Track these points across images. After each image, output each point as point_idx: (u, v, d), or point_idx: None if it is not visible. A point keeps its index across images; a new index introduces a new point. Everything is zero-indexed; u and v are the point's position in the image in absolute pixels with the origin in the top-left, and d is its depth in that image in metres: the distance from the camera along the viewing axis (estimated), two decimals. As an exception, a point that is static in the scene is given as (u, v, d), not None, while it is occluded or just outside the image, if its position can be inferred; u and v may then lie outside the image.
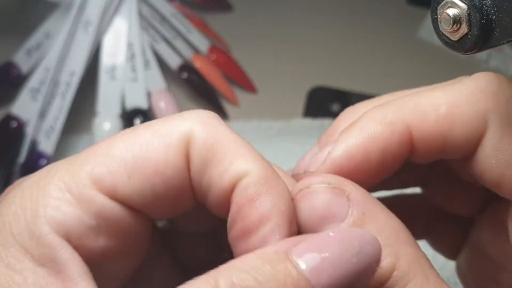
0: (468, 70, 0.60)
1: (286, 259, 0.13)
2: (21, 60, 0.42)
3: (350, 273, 0.13)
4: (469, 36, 0.18)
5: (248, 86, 0.49)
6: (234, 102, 0.47)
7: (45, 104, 0.37)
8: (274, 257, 0.13)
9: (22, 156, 0.35)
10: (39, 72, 0.38)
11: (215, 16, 0.58)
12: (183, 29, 0.45)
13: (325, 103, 0.48)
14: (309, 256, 0.13)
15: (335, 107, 0.48)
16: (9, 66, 0.42)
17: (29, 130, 0.36)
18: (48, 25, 0.41)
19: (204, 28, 0.50)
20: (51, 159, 0.36)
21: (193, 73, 0.44)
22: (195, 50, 0.46)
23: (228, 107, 0.46)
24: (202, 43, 0.47)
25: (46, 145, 0.36)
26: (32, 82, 0.38)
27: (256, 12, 0.61)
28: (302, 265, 0.13)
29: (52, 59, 0.37)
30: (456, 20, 0.18)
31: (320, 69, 0.53)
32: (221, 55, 0.48)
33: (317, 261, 0.13)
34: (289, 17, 0.61)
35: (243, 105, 0.47)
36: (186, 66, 0.44)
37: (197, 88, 0.44)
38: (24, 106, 0.39)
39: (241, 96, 0.48)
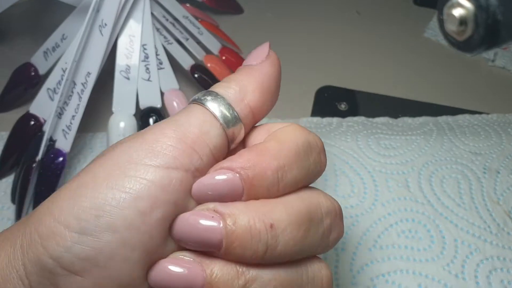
0: (475, 70, 0.60)
1: None
2: (39, 61, 0.43)
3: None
4: (475, 37, 0.19)
5: (258, 85, 0.50)
6: (244, 102, 0.48)
7: (62, 103, 0.38)
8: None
9: (40, 154, 0.36)
10: (55, 73, 0.40)
11: (226, 18, 0.59)
12: (195, 31, 0.46)
13: (333, 102, 0.49)
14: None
15: (343, 106, 0.49)
16: (28, 67, 0.43)
17: (47, 129, 0.37)
18: (64, 27, 0.42)
19: (215, 30, 0.51)
20: (68, 157, 0.38)
21: (205, 73, 0.45)
22: (207, 51, 0.47)
23: (238, 107, 0.47)
24: (213, 44, 0.48)
25: (63, 143, 0.38)
26: (49, 83, 0.40)
27: (266, 14, 0.62)
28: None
29: (68, 60, 0.38)
30: (462, 21, 0.19)
31: (328, 69, 0.54)
32: (232, 55, 0.49)
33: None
34: (298, 18, 0.62)
35: (253, 105, 0.48)
36: (198, 66, 0.45)
37: (208, 88, 0.45)
38: (41, 106, 0.40)
39: (251, 95, 0.49)
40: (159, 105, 0.40)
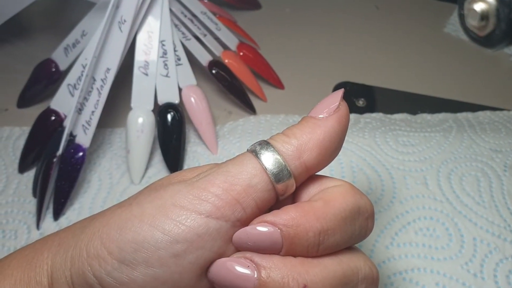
0: (496, 65, 0.59)
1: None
2: (59, 57, 0.44)
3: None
4: (496, 32, 0.18)
5: (276, 82, 0.50)
6: (262, 98, 0.48)
7: (82, 99, 0.38)
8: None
9: (61, 149, 0.37)
10: (76, 69, 0.40)
11: (243, 13, 0.59)
12: (212, 27, 0.46)
13: (351, 98, 0.49)
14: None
15: (361, 102, 0.48)
16: (49, 63, 0.44)
17: (67, 124, 0.37)
18: (84, 23, 0.42)
19: (233, 26, 0.51)
20: (87, 152, 0.38)
21: (223, 69, 0.45)
22: (225, 47, 0.47)
23: (256, 103, 0.47)
24: (231, 40, 0.48)
25: (83, 138, 0.38)
26: (70, 78, 0.40)
27: (284, 10, 0.62)
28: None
29: (88, 56, 0.39)
30: (484, 16, 0.18)
31: (347, 65, 0.53)
32: (250, 51, 0.49)
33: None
34: (316, 13, 0.61)
35: (271, 101, 0.48)
36: (216, 63, 0.45)
37: (226, 84, 0.45)
38: (62, 101, 0.40)
39: (269, 92, 0.49)
40: (177, 101, 0.41)
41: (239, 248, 0.21)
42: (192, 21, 0.45)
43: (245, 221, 0.21)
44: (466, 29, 0.20)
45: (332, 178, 0.24)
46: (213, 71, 0.45)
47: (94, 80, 0.38)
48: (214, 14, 0.48)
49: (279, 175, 0.22)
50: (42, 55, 0.45)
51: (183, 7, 0.44)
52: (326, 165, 0.23)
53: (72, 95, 0.40)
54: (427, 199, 0.38)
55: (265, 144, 0.22)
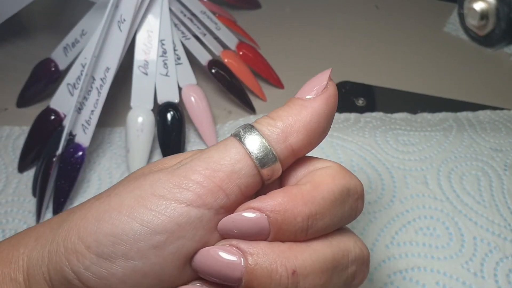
0: (496, 65, 0.59)
1: None
2: (59, 56, 0.44)
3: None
4: (496, 31, 0.18)
5: (276, 81, 0.50)
6: (262, 98, 0.48)
7: (82, 98, 0.38)
8: None
9: (60, 148, 0.37)
10: (75, 68, 0.40)
11: (243, 13, 0.59)
12: (212, 26, 0.46)
13: (351, 97, 0.49)
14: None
15: (360, 101, 0.48)
16: (48, 62, 0.44)
17: (67, 123, 0.37)
18: (84, 23, 0.42)
19: (232, 25, 0.51)
20: (87, 151, 0.38)
21: (222, 68, 0.45)
22: (224, 46, 0.47)
23: (256, 103, 0.47)
24: (231, 40, 0.48)
25: (83, 138, 0.38)
26: (69, 78, 0.40)
27: (284, 10, 0.62)
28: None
29: (87, 55, 0.39)
30: (484, 15, 0.18)
31: (346, 64, 0.53)
32: (249, 51, 0.49)
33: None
34: (316, 13, 0.61)
35: (271, 101, 0.48)
36: (216, 62, 0.45)
37: (226, 83, 0.45)
38: (61, 101, 0.40)
39: (269, 91, 0.49)
40: (176, 100, 0.41)
41: (225, 235, 0.21)
42: (191, 21, 0.45)
43: (229, 208, 0.21)
44: (466, 29, 0.20)
45: (320, 159, 0.23)
46: (213, 71, 0.45)
47: (94, 79, 0.38)
48: (214, 13, 0.48)
49: (264, 159, 0.21)
50: (42, 54, 0.45)
51: (182, 6, 0.44)
52: (313, 148, 0.22)
53: (72, 95, 0.40)
54: (427, 198, 0.38)
55: (250, 127, 0.21)
